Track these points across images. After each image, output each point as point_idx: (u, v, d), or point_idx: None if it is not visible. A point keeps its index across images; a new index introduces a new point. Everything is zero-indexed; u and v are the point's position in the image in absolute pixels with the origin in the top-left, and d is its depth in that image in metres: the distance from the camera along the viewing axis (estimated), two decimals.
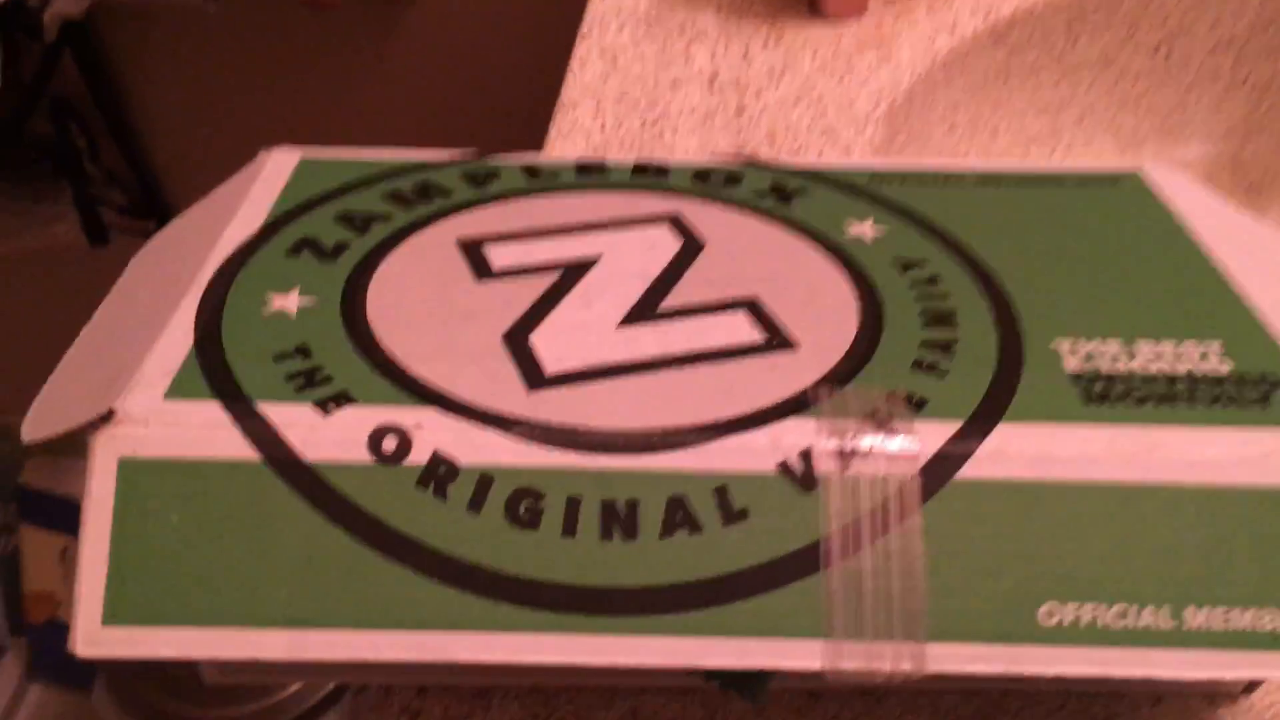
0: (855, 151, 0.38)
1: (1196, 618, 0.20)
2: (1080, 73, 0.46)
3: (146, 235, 0.83)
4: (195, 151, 0.78)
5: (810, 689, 0.27)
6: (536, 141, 0.38)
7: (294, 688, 0.84)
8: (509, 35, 0.72)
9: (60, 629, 1.15)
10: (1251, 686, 0.26)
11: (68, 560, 1.14)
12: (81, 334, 0.25)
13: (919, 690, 0.27)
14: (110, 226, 0.80)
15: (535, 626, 0.20)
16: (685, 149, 0.38)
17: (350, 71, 0.74)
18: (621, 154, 0.37)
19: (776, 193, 0.29)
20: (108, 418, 0.21)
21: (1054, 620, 0.20)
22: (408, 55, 0.73)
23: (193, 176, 0.79)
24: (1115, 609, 0.20)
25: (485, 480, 0.21)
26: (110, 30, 0.71)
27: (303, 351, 0.23)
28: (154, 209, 0.80)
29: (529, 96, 0.74)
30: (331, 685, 0.86)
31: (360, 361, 0.22)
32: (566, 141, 0.37)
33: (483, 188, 0.29)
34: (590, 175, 0.30)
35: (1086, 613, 0.20)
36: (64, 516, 1.14)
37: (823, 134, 0.38)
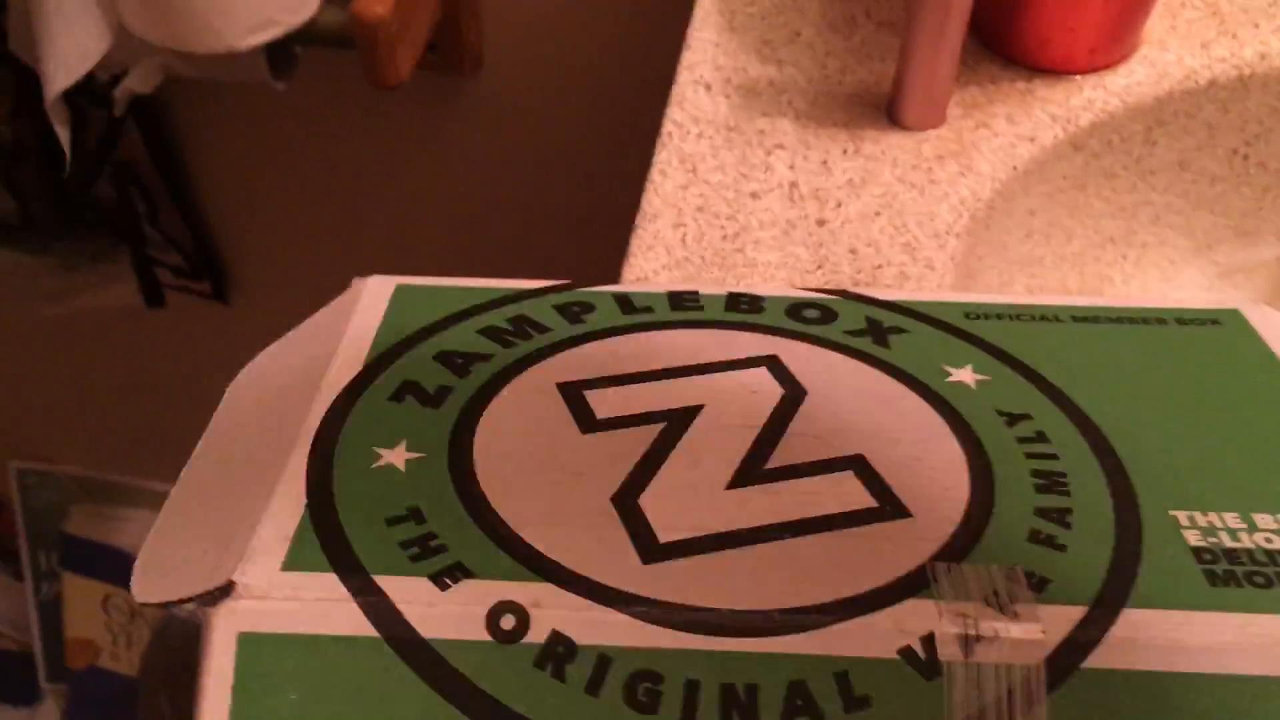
0: (937, 266, 0.38)
1: None
2: (1156, 176, 0.46)
3: (202, 296, 0.84)
4: (252, 219, 0.79)
5: None
6: (610, 231, 0.38)
7: None
8: (575, 107, 0.73)
9: (100, 675, 1.15)
10: None
11: (110, 608, 1.14)
12: (183, 476, 0.25)
13: None
14: (166, 288, 0.80)
15: None
16: (767, 263, 0.37)
17: (412, 150, 0.75)
18: (703, 268, 0.37)
19: (873, 331, 0.29)
20: (227, 590, 0.21)
21: None
22: (472, 132, 0.74)
23: (247, 241, 0.80)
24: None
25: (604, 661, 0.20)
26: (178, 101, 0.71)
27: (415, 515, 0.22)
28: (209, 271, 0.81)
29: (597, 172, 0.74)
30: None
31: (472, 528, 0.22)
32: (649, 255, 0.37)
33: (578, 323, 0.29)
34: (684, 308, 0.30)
35: None
36: (106, 564, 1.14)
37: (904, 248, 0.38)
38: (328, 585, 0.21)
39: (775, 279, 0.35)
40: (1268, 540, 0.23)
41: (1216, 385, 0.27)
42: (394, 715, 0.20)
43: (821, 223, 0.39)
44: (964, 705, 0.20)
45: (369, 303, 0.29)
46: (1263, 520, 0.23)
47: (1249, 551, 0.22)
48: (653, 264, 0.37)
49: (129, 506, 1.08)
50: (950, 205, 0.39)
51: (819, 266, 0.38)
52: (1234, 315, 0.30)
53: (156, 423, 0.85)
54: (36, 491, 1.10)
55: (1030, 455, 0.25)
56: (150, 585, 0.22)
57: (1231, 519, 0.23)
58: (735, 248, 0.38)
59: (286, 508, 0.22)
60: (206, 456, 0.26)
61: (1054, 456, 0.25)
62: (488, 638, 0.21)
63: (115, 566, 1.11)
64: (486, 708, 0.20)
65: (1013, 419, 0.26)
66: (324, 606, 0.21)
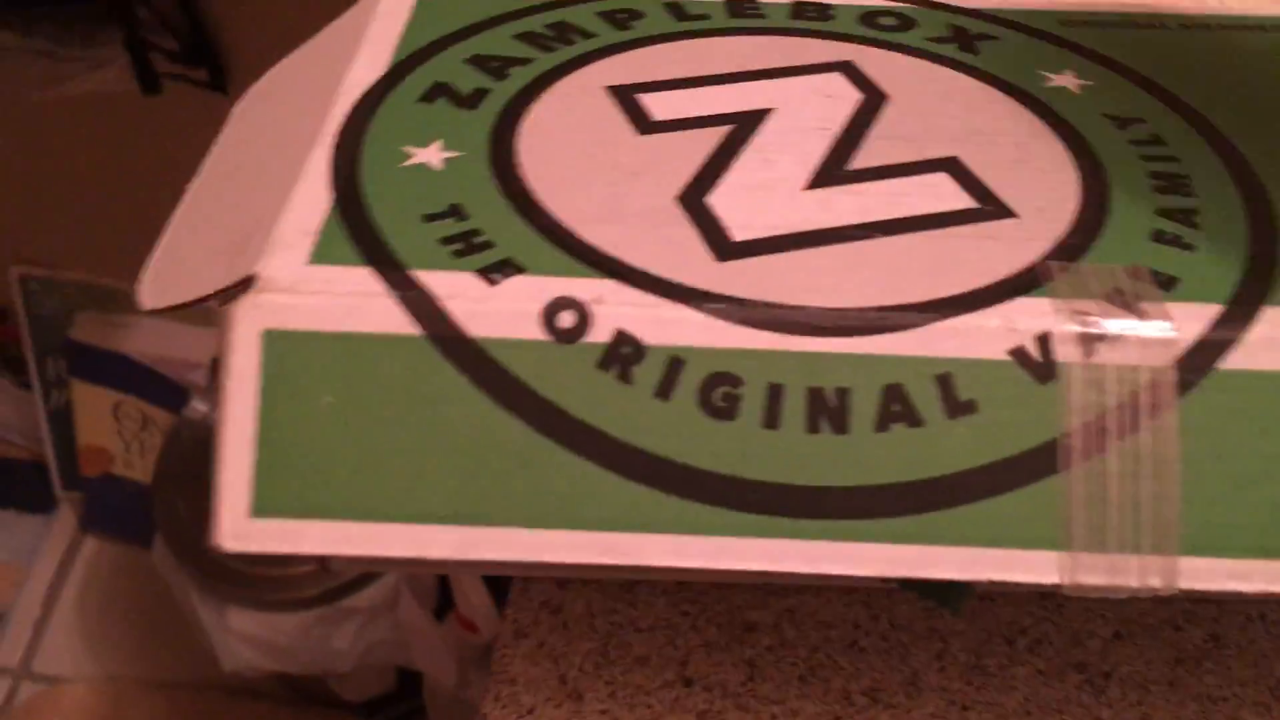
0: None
1: None
2: None
3: (199, 85, 0.79)
4: (250, 2, 0.73)
5: (983, 591, 0.25)
6: None
7: None
8: None
9: (115, 483, 1.15)
10: None
11: (120, 415, 1.14)
12: (189, 191, 0.23)
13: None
14: (161, 76, 0.76)
15: (735, 530, 0.18)
16: None
17: None
18: None
19: (959, 38, 0.26)
20: (247, 284, 0.18)
21: None
22: None
23: (247, 26, 0.75)
24: None
25: (675, 363, 0.18)
26: None
27: (456, 212, 0.20)
28: (206, 57, 0.76)
29: None
30: None
31: (522, 225, 0.20)
32: None
33: (626, 29, 0.26)
34: (743, 15, 0.26)
35: None
36: (115, 371, 1.13)
37: None
38: (361, 279, 0.18)
39: None
40: None
41: None
42: (441, 422, 0.18)
43: None
44: (1083, 410, 0.18)
45: (390, 7, 0.26)
46: None
47: None
48: None
49: (135, 313, 1.05)
50: None
51: None
52: None
53: (158, 224, 0.82)
54: (40, 298, 1.08)
55: (1146, 157, 0.22)
56: (159, 291, 0.19)
57: None
58: None
59: (309, 203, 0.20)
60: (215, 168, 0.23)
61: (1173, 159, 0.22)
62: (544, 337, 0.18)
63: (124, 373, 1.10)
64: (544, 413, 0.18)
65: (1124, 122, 0.23)
66: (358, 301, 0.18)
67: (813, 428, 0.18)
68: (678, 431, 0.18)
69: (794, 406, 0.18)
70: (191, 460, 0.87)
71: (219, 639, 0.86)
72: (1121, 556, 0.18)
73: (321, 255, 0.19)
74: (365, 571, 0.70)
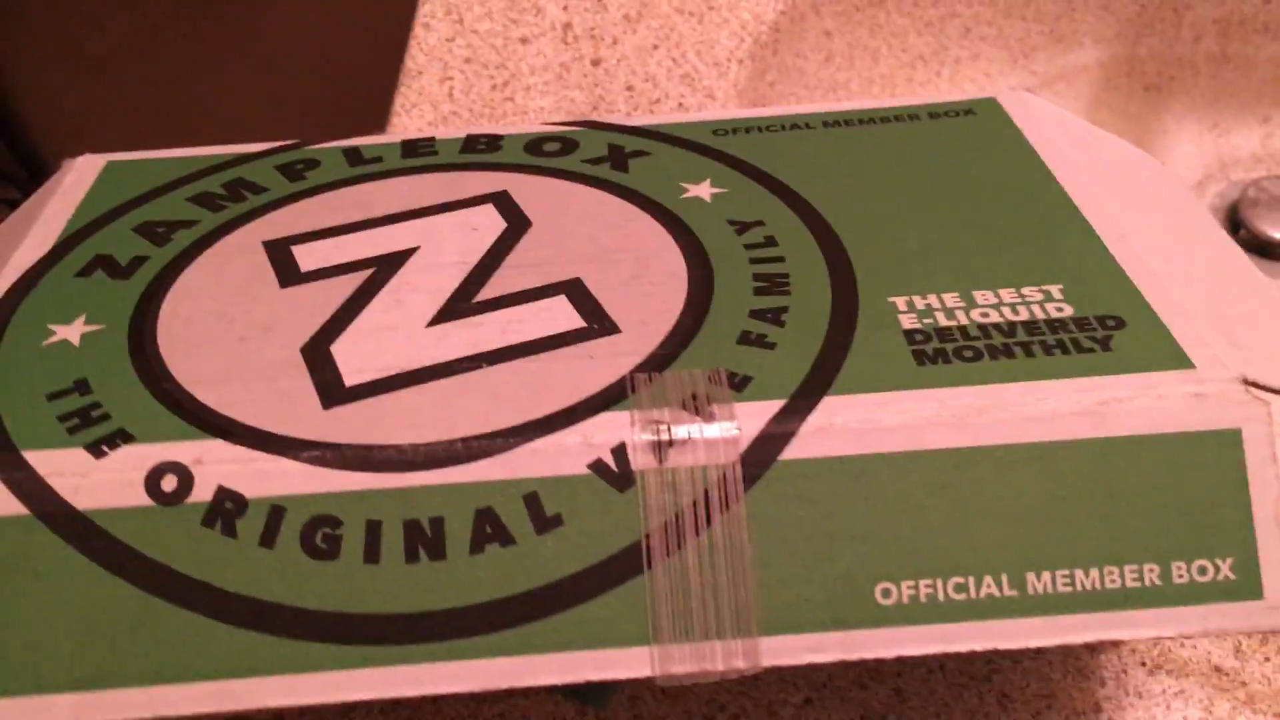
0: (718, 94, 0.36)
1: (1039, 583, 0.19)
2: None
3: (9, 204, 0.80)
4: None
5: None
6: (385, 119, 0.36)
7: None
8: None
9: None
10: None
11: None
12: None
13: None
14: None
15: (345, 663, 0.19)
16: (539, 109, 0.36)
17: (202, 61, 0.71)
18: (471, 122, 0.35)
19: (613, 158, 0.27)
20: None
21: (891, 599, 0.19)
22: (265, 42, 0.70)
23: (65, 142, 0.76)
24: (954, 581, 0.19)
25: (277, 512, 0.19)
26: None
27: (81, 387, 0.21)
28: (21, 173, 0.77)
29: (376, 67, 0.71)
30: None
31: (143, 393, 0.21)
32: (413, 114, 0.35)
33: (299, 180, 0.27)
34: (417, 155, 0.28)
35: (924, 589, 0.19)
36: None
37: (683, 80, 0.37)
38: None
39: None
40: (984, 315, 0.22)
41: (959, 173, 0.26)
42: (52, 594, 0.19)
43: (596, 62, 0.37)
44: (660, 512, 0.19)
45: (73, 182, 0.27)
46: (983, 296, 0.22)
47: (963, 328, 0.21)
48: (418, 121, 0.35)
49: None
50: (731, 30, 0.38)
51: (594, 108, 0.36)
52: (990, 104, 0.29)
53: None
54: None
55: (755, 260, 0.24)
56: None
57: (951, 299, 0.22)
58: (505, 96, 0.36)
59: None
60: None
61: (779, 259, 0.24)
62: (149, 502, 0.19)
63: None
64: (155, 575, 0.19)
65: (744, 226, 0.25)
66: None
67: (411, 558, 0.19)
68: (283, 576, 0.19)
69: (392, 540, 0.19)
70: None
71: None
72: (707, 644, 0.19)
73: None
74: None
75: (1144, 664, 0.26)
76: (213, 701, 0.19)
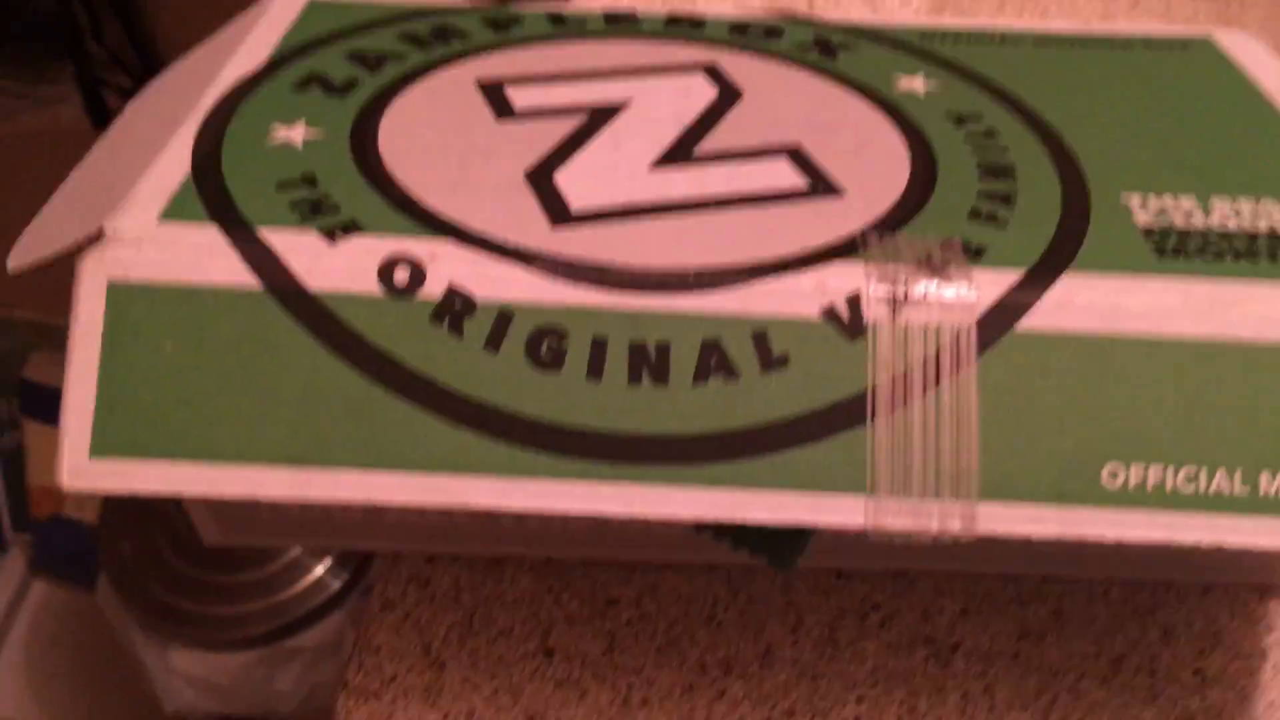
0: (899, 18, 0.36)
1: (1272, 484, 0.19)
2: None
3: (123, 92, 0.81)
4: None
5: (839, 569, 0.26)
6: None
7: (299, 585, 0.84)
8: None
9: (65, 525, 1.14)
10: None
11: None
12: (74, 171, 0.24)
13: (953, 572, 0.26)
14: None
15: (556, 473, 0.19)
16: (720, 3, 0.35)
17: None
18: (652, 5, 0.35)
19: (820, 47, 0.27)
20: (97, 238, 0.19)
21: (1118, 481, 0.19)
22: None
23: (179, 29, 0.76)
24: (1184, 471, 0.19)
25: (504, 316, 0.19)
26: None
27: (308, 180, 0.21)
28: None
29: None
30: (337, 585, 0.85)
31: (370, 192, 0.21)
32: None
33: (504, 33, 0.27)
34: (620, 24, 0.28)
35: (1154, 475, 0.19)
36: None
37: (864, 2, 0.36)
38: (207, 235, 0.19)
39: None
40: (1223, 222, 0.21)
41: (1179, 97, 0.25)
42: (278, 370, 0.19)
43: None
44: (889, 365, 0.19)
45: (276, 15, 0.27)
46: (1221, 204, 0.22)
47: (1202, 232, 0.21)
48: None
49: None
50: None
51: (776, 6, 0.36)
52: (1204, 41, 0.28)
53: None
54: None
55: (978, 149, 0.23)
56: (22, 253, 0.20)
57: (1187, 202, 0.22)
58: None
59: (169, 169, 0.21)
60: (97, 151, 0.24)
61: (1004, 149, 0.23)
62: (380, 291, 0.19)
63: None
64: (378, 363, 0.19)
65: (962, 119, 0.24)
66: (202, 255, 0.19)
67: (634, 379, 0.19)
68: (505, 381, 0.19)
69: (616, 359, 0.19)
70: (137, 499, 0.87)
71: (161, 680, 0.85)
72: (924, 502, 0.19)
73: (171, 213, 0.20)
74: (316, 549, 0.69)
75: None
76: (424, 493, 0.19)
